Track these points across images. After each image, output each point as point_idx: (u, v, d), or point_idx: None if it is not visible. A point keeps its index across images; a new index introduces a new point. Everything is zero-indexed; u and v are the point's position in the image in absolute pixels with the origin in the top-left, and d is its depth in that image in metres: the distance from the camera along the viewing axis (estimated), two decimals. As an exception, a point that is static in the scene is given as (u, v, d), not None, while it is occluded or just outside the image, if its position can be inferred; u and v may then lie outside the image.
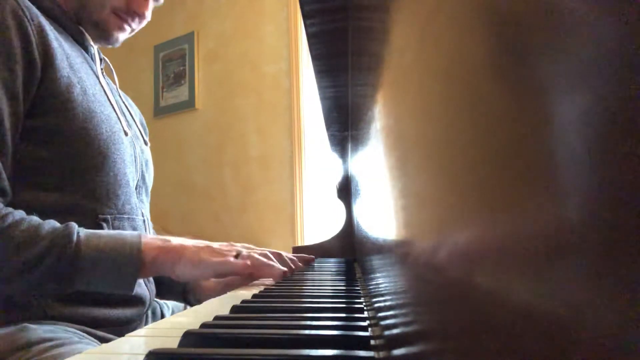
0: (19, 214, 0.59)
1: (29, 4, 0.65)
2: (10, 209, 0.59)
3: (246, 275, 0.75)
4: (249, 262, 0.72)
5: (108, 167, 0.70)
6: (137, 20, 0.80)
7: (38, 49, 0.63)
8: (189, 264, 0.67)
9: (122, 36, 0.81)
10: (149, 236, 0.68)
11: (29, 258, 0.57)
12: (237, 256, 0.72)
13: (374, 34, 0.36)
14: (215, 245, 0.72)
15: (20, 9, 0.62)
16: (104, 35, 0.79)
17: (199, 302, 0.93)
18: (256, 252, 0.77)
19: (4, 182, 0.61)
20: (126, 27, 0.80)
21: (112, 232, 0.65)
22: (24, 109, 0.63)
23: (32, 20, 0.63)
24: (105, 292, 0.64)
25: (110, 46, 0.84)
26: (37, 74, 0.63)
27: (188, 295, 0.93)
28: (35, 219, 0.60)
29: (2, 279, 0.58)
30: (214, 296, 0.89)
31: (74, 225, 0.61)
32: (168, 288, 0.92)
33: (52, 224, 0.61)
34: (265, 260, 0.75)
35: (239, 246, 0.76)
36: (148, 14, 0.81)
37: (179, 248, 0.68)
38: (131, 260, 0.62)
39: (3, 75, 0.60)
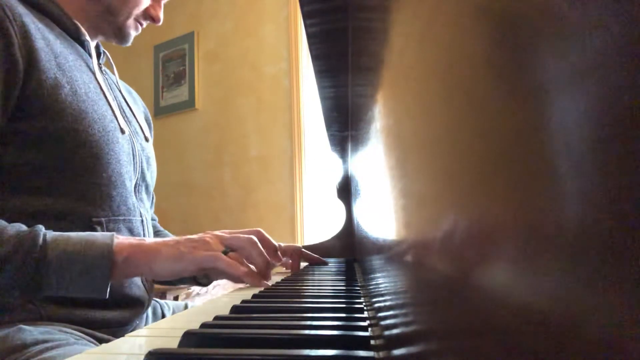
0: None
1: (14, 2, 0.63)
2: None
3: (236, 278, 0.68)
4: (245, 267, 0.66)
5: (101, 169, 0.68)
6: (149, 22, 0.85)
7: (21, 50, 0.61)
8: (168, 259, 0.61)
9: (134, 35, 0.85)
10: (123, 237, 0.63)
11: None
12: (226, 253, 0.66)
13: (374, 34, 0.36)
14: (194, 236, 0.66)
15: (1, 9, 0.60)
16: (121, 37, 0.83)
17: (209, 280, 0.92)
18: (242, 239, 0.69)
19: None
20: (139, 28, 0.85)
21: (82, 234, 0.60)
22: (7, 113, 0.61)
23: (15, 21, 0.61)
24: (76, 296, 0.60)
25: (122, 45, 0.86)
26: (19, 75, 0.61)
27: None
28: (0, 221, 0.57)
29: None
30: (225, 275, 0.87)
31: (40, 228, 0.58)
32: None
33: (17, 227, 0.57)
34: (263, 263, 0.69)
35: (216, 233, 0.69)
36: (162, 18, 0.86)
37: (154, 245, 0.62)
38: (101, 262, 0.57)
39: None
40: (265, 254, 0.72)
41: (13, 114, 0.62)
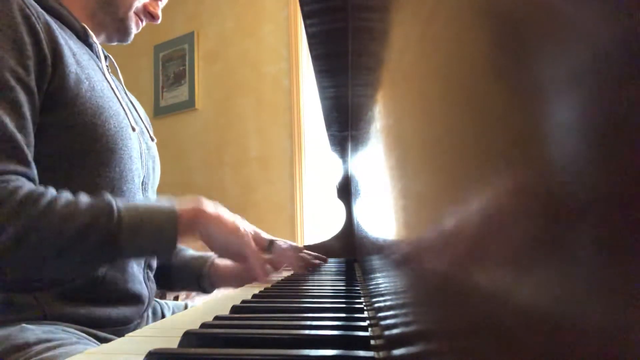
0: (53, 190, 0.60)
1: (34, 2, 0.66)
2: (43, 188, 0.60)
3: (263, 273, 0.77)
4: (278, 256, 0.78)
5: (114, 163, 0.70)
6: (149, 19, 0.87)
7: (47, 46, 0.63)
8: (224, 227, 0.70)
9: (134, 32, 0.87)
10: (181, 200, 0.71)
11: (76, 231, 0.58)
12: (271, 243, 0.78)
13: (374, 34, 0.36)
14: (247, 228, 0.77)
15: (27, 7, 0.63)
16: (123, 32, 0.85)
17: (213, 288, 0.95)
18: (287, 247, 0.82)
19: (34, 172, 0.61)
20: (140, 25, 0.87)
21: (145, 200, 0.67)
22: (39, 105, 0.63)
23: (40, 18, 0.64)
24: (147, 257, 0.67)
25: (123, 43, 0.88)
26: (48, 70, 0.63)
27: (203, 281, 0.93)
28: (68, 194, 0.61)
29: (54, 255, 0.57)
30: (230, 283, 0.92)
31: (109, 196, 0.63)
32: (181, 276, 0.93)
33: (86, 197, 0.62)
34: (293, 259, 0.82)
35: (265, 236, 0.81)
36: (160, 16, 0.88)
37: (215, 212, 0.71)
38: (171, 222, 0.64)
39: (18, 72, 0.60)
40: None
41: (40, 106, 0.64)
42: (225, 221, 0.71)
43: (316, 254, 1.10)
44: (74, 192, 0.66)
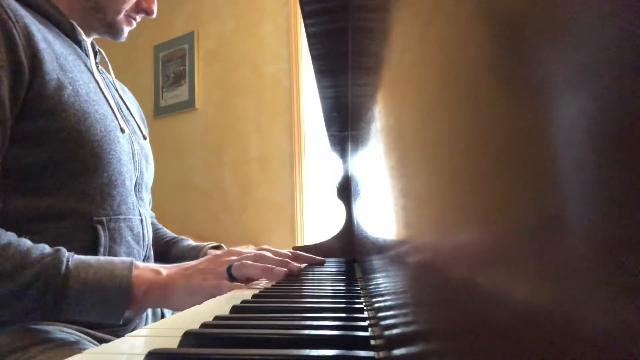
0: (7, 237, 0.57)
1: (15, 4, 0.64)
2: (2, 231, 0.57)
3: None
4: (243, 277, 0.70)
5: (102, 168, 0.69)
6: (143, 14, 0.84)
7: (25, 52, 0.61)
8: (182, 294, 0.65)
9: (128, 30, 0.85)
10: (142, 266, 0.65)
11: (13, 288, 0.55)
12: (229, 268, 0.69)
13: (374, 34, 0.36)
14: (203, 265, 0.69)
15: (4, 11, 0.61)
16: (114, 33, 0.83)
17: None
18: (249, 256, 0.73)
19: None
20: (133, 22, 0.84)
21: (103, 260, 0.62)
22: (12, 114, 0.61)
23: (18, 23, 0.61)
24: (90, 322, 0.63)
25: (117, 40, 0.86)
26: (25, 77, 0.61)
27: None
28: (24, 242, 0.58)
29: None
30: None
31: (63, 254, 0.59)
32: None
33: (42, 249, 0.58)
34: (257, 268, 0.71)
35: (223, 258, 0.72)
36: (155, 10, 0.85)
37: (169, 281, 0.65)
38: (120, 295, 0.60)
39: None
40: (258, 265, 0.73)
41: (18, 115, 0.62)
42: (181, 288, 0.65)
43: (310, 255, 1.06)
44: (63, 200, 0.65)
